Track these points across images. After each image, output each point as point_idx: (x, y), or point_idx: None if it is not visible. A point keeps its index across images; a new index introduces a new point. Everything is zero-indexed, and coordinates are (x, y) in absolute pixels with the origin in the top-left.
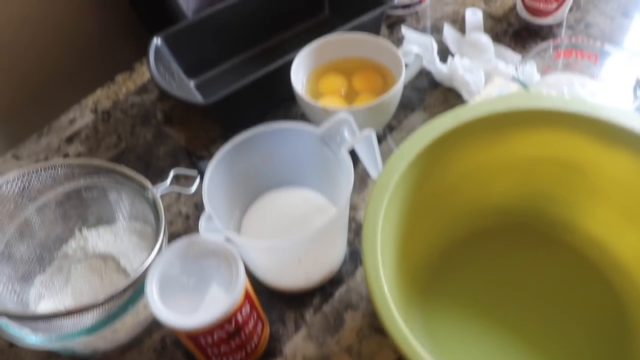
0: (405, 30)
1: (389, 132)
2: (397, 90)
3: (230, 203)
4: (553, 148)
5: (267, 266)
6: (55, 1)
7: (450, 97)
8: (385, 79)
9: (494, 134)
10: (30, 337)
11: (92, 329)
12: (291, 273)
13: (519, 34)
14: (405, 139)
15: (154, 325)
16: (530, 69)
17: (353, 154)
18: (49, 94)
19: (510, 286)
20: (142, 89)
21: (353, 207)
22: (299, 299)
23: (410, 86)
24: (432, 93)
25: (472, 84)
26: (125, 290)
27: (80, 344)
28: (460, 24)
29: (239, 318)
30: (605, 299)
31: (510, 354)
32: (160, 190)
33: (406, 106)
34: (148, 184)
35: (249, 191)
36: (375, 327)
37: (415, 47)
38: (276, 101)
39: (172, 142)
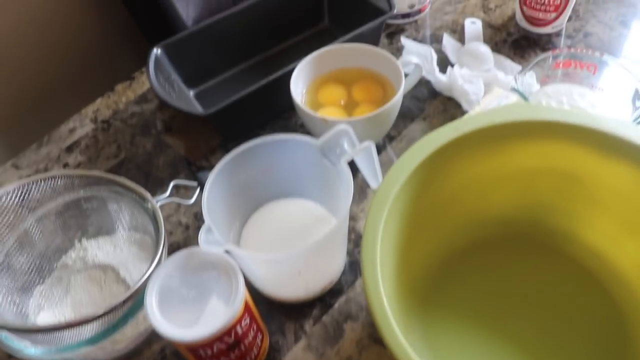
0: (404, 41)
1: (388, 141)
2: (396, 101)
3: (230, 214)
4: (552, 159)
5: (267, 277)
6: (55, 11)
7: (449, 106)
8: (384, 89)
9: (493, 145)
10: (29, 350)
11: (92, 341)
12: (291, 284)
13: (518, 43)
14: (405, 151)
15: (154, 336)
16: (529, 79)
17: (353, 163)
18: (48, 104)
19: (509, 296)
20: (142, 99)
21: (353, 218)
22: (299, 309)
23: (409, 96)
24: (431, 103)
25: (472, 93)
26: (124, 302)
27: (79, 356)
28: (459, 34)
29: (239, 330)
30: (604, 309)
31: None
32: (160, 201)
33: (406, 116)
34: (147, 195)
35: (249, 202)
36: (375, 338)
37: (415, 57)
38: (276, 111)
39: (172, 151)
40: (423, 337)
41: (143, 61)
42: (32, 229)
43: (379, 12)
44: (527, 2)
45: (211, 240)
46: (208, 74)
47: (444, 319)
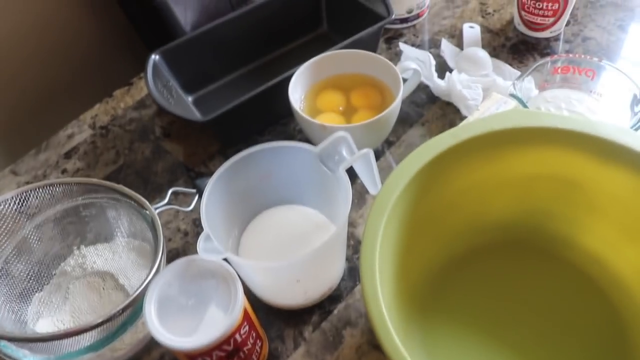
0: (403, 46)
1: (387, 147)
2: (395, 107)
3: (228, 221)
4: (551, 165)
5: (266, 285)
6: (53, 17)
7: (448, 111)
8: (383, 95)
9: (492, 152)
10: (28, 358)
11: (91, 349)
12: (290, 291)
13: (516, 47)
14: (404, 157)
15: (153, 343)
16: (528, 85)
17: (351, 169)
18: (47, 110)
19: (509, 302)
20: (141, 104)
21: (351, 224)
22: (298, 316)
23: (408, 101)
24: (430, 108)
25: (470, 99)
26: (123, 310)
27: None
28: (458, 38)
29: (238, 338)
30: (604, 315)
31: None
32: (159, 208)
33: (404, 121)
34: (146, 203)
35: (248, 209)
36: (374, 344)
37: (413, 63)
38: (274, 117)
39: (171, 157)
40: (422, 344)
41: (141, 66)
42: (31, 236)
43: (377, 18)
44: (526, 6)
45: (210, 248)
46: (206, 80)
47: (443, 325)
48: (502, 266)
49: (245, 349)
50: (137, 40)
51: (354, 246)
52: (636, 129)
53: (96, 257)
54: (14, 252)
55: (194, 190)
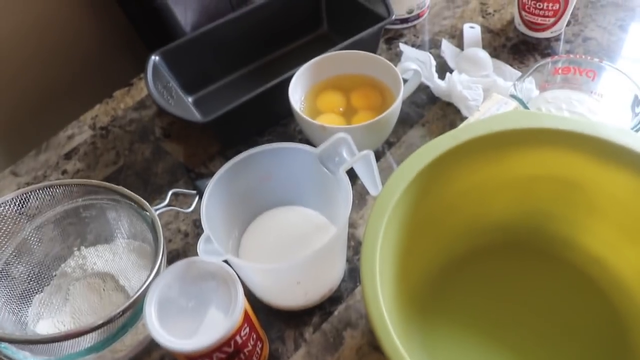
0: (403, 47)
1: (387, 147)
2: (395, 107)
3: (229, 223)
4: (551, 166)
5: (266, 286)
6: (54, 18)
7: (448, 112)
8: (383, 96)
9: (492, 153)
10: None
11: (92, 350)
12: (290, 293)
13: (517, 47)
14: (404, 157)
15: (153, 344)
16: (528, 85)
17: (352, 170)
18: (47, 110)
19: (509, 303)
20: (141, 105)
21: (352, 225)
22: (298, 317)
23: (408, 101)
24: (430, 108)
25: (471, 99)
26: (124, 311)
27: None
28: (458, 39)
29: (238, 340)
30: (605, 316)
31: None
32: (159, 209)
33: (405, 122)
34: (146, 204)
35: (248, 211)
36: (374, 345)
37: (414, 63)
38: (274, 118)
39: (171, 158)
40: (422, 345)
41: (142, 67)
42: (31, 237)
43: (377, 18)
44: (526, 6)
45: (210, 250)
46: (207, 80)
47: (443, 327)
48: (502, 267)
49: (245, 350)
50: (137, 41)
51: (355, 247)
52: (637, 130)
53: (96, 258)
54: (14, 254)
55: (194, 192)
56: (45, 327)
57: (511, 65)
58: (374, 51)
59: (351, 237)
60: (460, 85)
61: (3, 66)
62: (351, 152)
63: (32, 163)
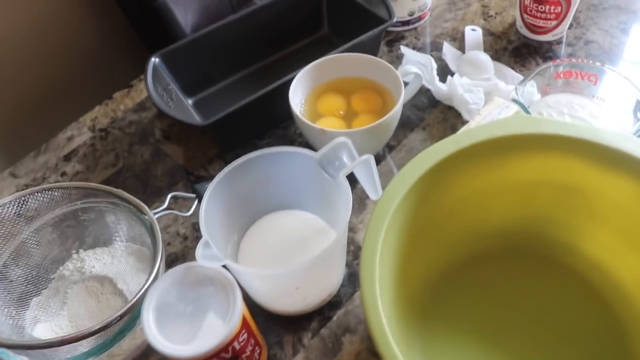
0: (404, 49)
1: (388, 151)
2: (396, 111)
3: (228, 227)
4: (552, 171)
5: (265, 291)
6: (54, 19)
7: (449, 115)
8: (384, 99)
9: (493, 158)
10: None
11: (89, 354)
12: (289, 298)
13: (518, 51)
14: (405, 162)
15: (151, 349)
16: (530, 89)
17: (352, 173)
18: (47, 112)
19: (509, 309)
20: (141, 107)
21: (352, 229)
22: (297, 322)
23: (409, 105)
24: (431, 112)
25: (472, 103)
26: (121, 316)
27: None
28: (459, 41)
29: (236, 346)
30: (605, 323)
31: None
32: (158, 213)
33: (405, 125)
34: (145, 208)
35: (247, 214)
36: (373, 351)
37: (414, 67)
38: (274, 120)
39: (170, 161)
40: (422, 352)
41: (142, 68)
42: (29, 240)
43: (378, 21)
44: (528, 9)
45: (208, 255)
46: (207, 82)
47: (443, 333)
48: (502, 273)
49: (243, 356)
50: (137, 42)
51: (354, 252)
52: (639, 136)
53: (95, 261)
54: (12, 256)
55: (193, 195)
56: (42, 330)
57: (512, 68)
58: (375, 54)
59: (351, 241)
60: (461, 89)
61: (2, 67)
62: (351, 156)
63: (31, 164)
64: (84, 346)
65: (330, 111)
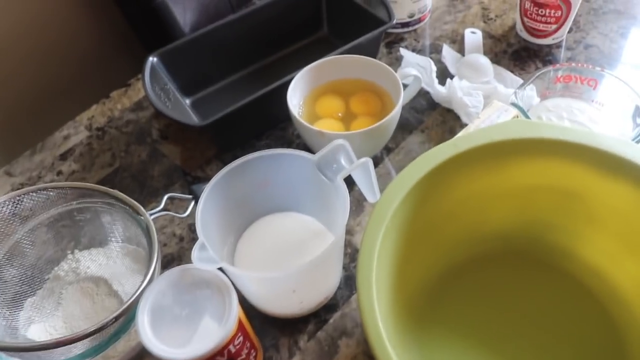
0: (403, 52)
1: (386, 153)
2: (395, 114)
3: (224, 229)
4: (551, 176)
5: (261, 294)
6: (51, 17)
7: (448, 118)
8: (383, 101)
9: (492, 163)
10: None
11: (83, 357)
12: (285, 301)
13: (518, 54)
14: (403, 164)
15: (145, 351)
16: (529, 92)
17: (349, 176)
18: (43, 110)
19: (507, 313)
20: (138, 106)
21: (349, 232)
22: (293, 324)
23: (408, 107)
24: (430, 114)
25: (471, 106)
26: (116, 318)
27: None
28: (459, 44)
29: (232, 349)
30: (603, 328)
31: None
32: (154, 214)
33: (404, 127)
34: (141, 208)
35: (244, 216)
36: (370, 355)
37: (414, 69)
38: (273, 121)
39: (167, 161)
40: (419, 356)
41: (139, 67)
42: (24, 240)
43: (378, 22)
44: (528, 13)
45: (205, 258)
46: (205, 82)
47: (440, 337)
48: (500, 277)
49: (239, 359)
50: (135, 41)
51: (351, 254)
52: (638, 141)
53: (90, 261)
54: (6, 256)
55: (190, 196)
56: (36, 331)
57: (512, 71)
58: (374, 55)
59: (348, 244)
60: (460, 92)
61: (0, 65)
62: (349, 159)
63: (27, 163)
64: (79, 348)
65: (328, 113)
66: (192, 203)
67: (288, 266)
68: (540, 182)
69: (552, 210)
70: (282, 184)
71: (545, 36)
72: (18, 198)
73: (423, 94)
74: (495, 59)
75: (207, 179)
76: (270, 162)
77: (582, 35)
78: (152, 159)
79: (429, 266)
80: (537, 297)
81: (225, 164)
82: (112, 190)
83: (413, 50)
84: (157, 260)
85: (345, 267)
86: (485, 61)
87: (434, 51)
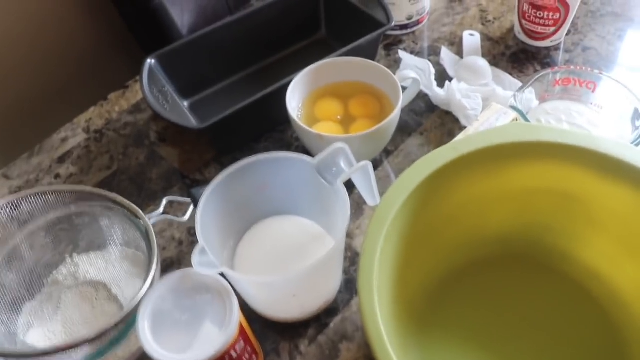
0: (402, 54)
1: (385, 156)
2: (394, 117)
3: (224, 233)
4: (551, 179)
5: (261, 298)
6: (49, 18)
7: (447, 120)
8: (382, 104)
9: (492, 166)
10: None
11: None
12: (286, 305)
13: (516, 56)
14: (402, 168)
15: (146, 356)
16: (528, 95)
17: (349, 179)
18: (41, 112)
19: (507, 316)
20: (136, 108)
21: (349, 235)
22: (294, 329)
23: (407, 109)
24: (429, 117)
25: (470, 109)
26: (117, 324)
27: None
28: (457, 46)
29: (233, 354)
30: (603, 331)
31: None
32: (153, 218)
33: (403, 130)
34: (140, 212)
35: (244, 220)
36: (371, 358)
37: (412, 72)
38: (271, 124)
39: (166, 164)
40: (420, 359)
41: (137, 69)
42: (22, 244)
43: (376, 24)
44: (526, 15)
45: (205, 262)
46: (203, 85)
47: (441, 340)
48: (501, 280)
49: None
50: (133, 43)
51: (351, 258)
52: (637, 144)
53: (89, 265)
54: (4, 261)
55: (189, 200)
56: (35, 336)
57: (510, 74)
58: (372, 58)
59: (348, 247)
60: (459, 94)
61: None
62: (349, 162)
63: (25, 166)
64: (79, 354)
65: (327, 116)
66: (191, 206)
67: (288, 270)
68: (540, 185)
69: (552, 213)
70: (281, 187)
71: (543, 39)
72: (16, 202)
73: (422, 96)
74: (494, 62)
75: (205, 182)
76: (269, 165)
77: (580, 38)
78: (151, 161)
79: (430, 270)
80: (537, 299)
81: (223, 166)
82: (110, 193)
83: (411, 53)
84: (156, 264)
85: (345, 271)
86: (483, 64)
87: (433, 53)
